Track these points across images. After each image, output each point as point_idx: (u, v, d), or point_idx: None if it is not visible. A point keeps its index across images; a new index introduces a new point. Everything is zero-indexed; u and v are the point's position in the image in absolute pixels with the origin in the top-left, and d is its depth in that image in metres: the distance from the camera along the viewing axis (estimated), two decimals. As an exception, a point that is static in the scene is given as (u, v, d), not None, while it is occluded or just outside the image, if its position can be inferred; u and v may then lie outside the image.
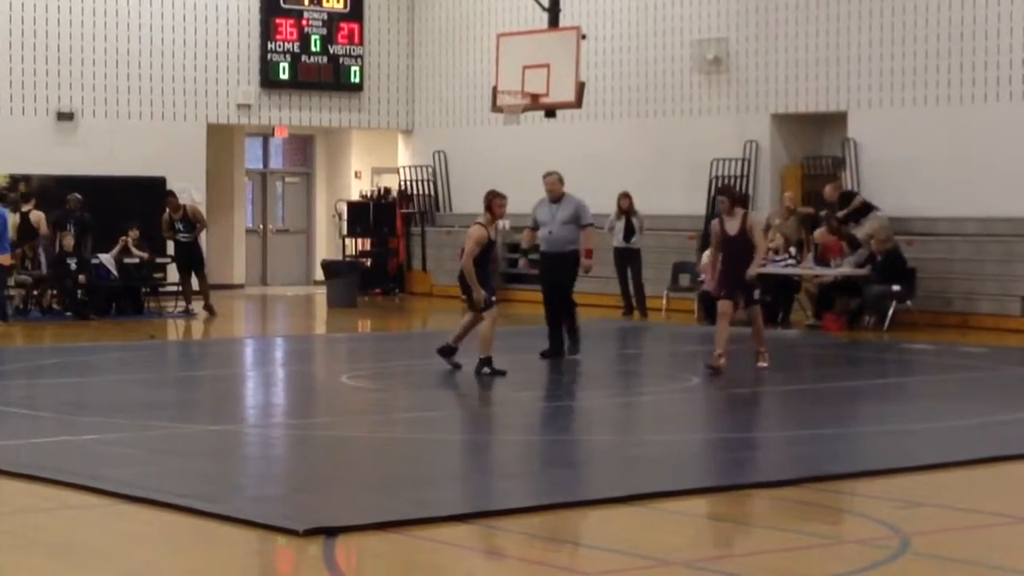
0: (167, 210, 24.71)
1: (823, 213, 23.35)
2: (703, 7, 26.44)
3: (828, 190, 23.43)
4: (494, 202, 16.32)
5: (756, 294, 16.62)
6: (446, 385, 15.93)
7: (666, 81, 26.98)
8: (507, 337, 17.27)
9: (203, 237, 25.69)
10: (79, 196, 24.34)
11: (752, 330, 16.88)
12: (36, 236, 24.00)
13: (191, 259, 24.79)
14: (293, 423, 13.73)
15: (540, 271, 18.31)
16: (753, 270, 16.37)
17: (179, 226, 24.61)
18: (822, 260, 22.73)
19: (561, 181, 17.80)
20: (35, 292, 23.89)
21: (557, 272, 17.69)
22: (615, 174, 26.14)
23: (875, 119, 24.26)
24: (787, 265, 22.90)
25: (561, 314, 17.67)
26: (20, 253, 23.73)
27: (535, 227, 17.91)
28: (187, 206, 25.04)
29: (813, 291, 22.76)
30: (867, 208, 23.23)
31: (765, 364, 16.75)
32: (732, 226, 16.33)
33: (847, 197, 23.45)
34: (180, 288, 24.95)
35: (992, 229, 22.81)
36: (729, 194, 16.80)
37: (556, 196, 17.65)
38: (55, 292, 23.99)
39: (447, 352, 16.50)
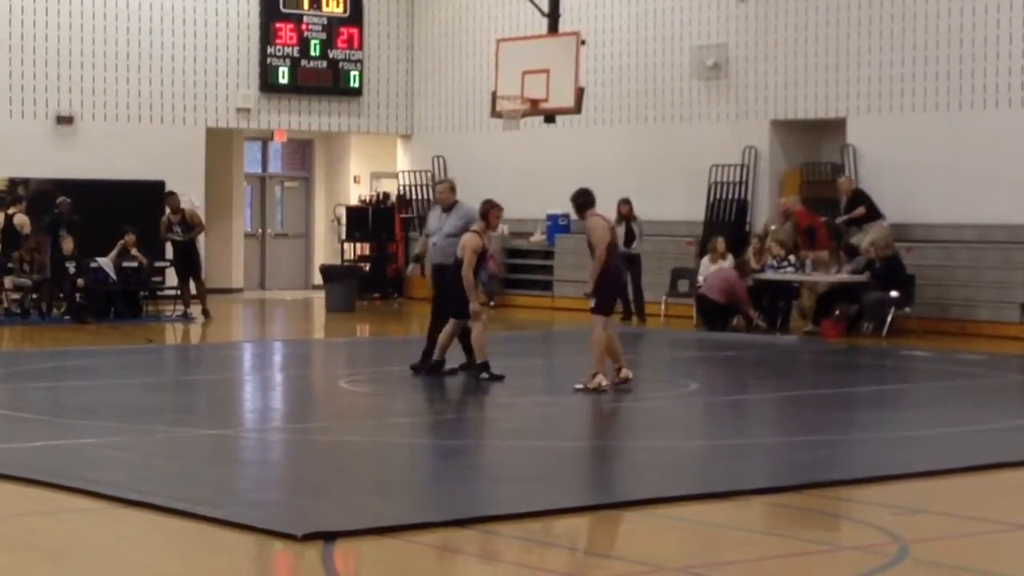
0: (167, 210, 24.71)
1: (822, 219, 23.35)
2: (703, 13, 26.43)
3: (843, 181, 23.38)
4: (491, 212, 16.25)
5: (592, 303, 15.23)
6: (443, 390, 15.91)
7: (665, 87, 26.97)
8: (504, 342, 17.26)
9: (201, 241, 25.67)
10: (68, 199, 24.33)
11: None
12: (24, 239, 23.89)
13: (189, 263, 24.78)
14: (291, 427, 13.72)
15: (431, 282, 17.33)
16: (589, 286, 15.12)
17: (176, 228, 24.60)
18: (808, 238, 22.64)
19: (452, 189, 17.01)
20: (34, 296, 23.84)
21: (440, 284, 16.73)
22: (614, 180, 26.10)
23: (874, 125, 24.24)
24: (785, 271, 22.88)
25: (442, 328, 16.58)
26: (19, 256, 23.70)
27: (429, 235, 17.11)
28: (186, 210, 25.01)
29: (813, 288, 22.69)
30: (875, 215, 23.15)
31: (623, 379, 15.43)
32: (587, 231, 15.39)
33: (858, 197, 23.30)
34: (178, 292, 24.94)
35: (990, 236, 22.79)
36: (573, 200, 15.38)
37: (446, 205, 16.82)
38: (38, 296, 23.84)
39: (436, 368, 16.45)
